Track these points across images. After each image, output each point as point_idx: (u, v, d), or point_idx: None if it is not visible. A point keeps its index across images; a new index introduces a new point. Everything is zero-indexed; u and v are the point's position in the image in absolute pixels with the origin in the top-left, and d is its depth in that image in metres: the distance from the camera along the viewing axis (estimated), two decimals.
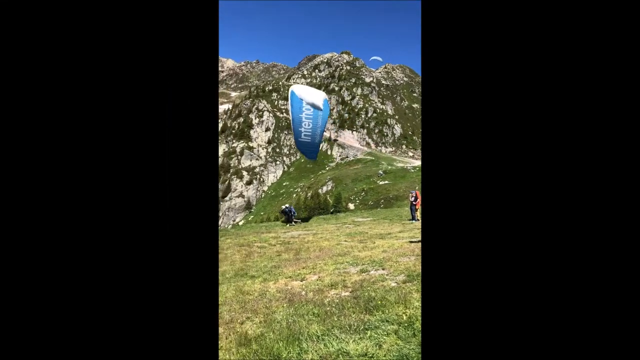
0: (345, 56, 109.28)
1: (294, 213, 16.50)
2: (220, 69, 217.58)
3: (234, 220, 58.07)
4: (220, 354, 3.36)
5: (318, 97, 7.14)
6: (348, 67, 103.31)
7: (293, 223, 16.23)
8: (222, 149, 71.50)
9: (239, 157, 70.02)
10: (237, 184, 65.04)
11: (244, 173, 66.88)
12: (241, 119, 78.75)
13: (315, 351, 3.10)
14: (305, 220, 18.47)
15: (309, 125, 7.61)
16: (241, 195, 63.49)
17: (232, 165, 68.38)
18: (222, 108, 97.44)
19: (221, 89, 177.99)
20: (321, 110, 7.56)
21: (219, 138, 72.60)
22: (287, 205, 17.74)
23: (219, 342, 3.62)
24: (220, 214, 57.14)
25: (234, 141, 73.49)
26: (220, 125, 76.58)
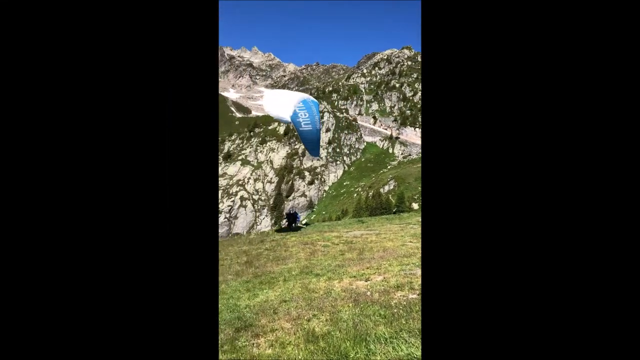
0: (406, 51, 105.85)
1: (298, 218, 16.27)
2: (282, 73, 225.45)
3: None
4: (289, 349, 3.46)
5: (285, 107, 6.37)
6: (409, 63, 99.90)
7: (293, 226, 15.69)
8: (285, 150, 74.15)
9: (301, 157, 71.93)
10: (300, 184, 66.90)
11: (306, 173, 68.52)
12: None
13: (384, 354, 3.03)
14: (307, 224, 17.81)
15: (305, 115, 7.08)
16: (303, 194, 65.16)
17: (294, 166, 70.54)
18: None
19: None
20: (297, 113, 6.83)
21: (282, 140, 75.42)
22: (292, 208, 17.91)
23: (288, 336, 3.73)
24: (284, 213, 58.82)
25: (296, 143, 75.66)
26: (283, 127, 79.48)
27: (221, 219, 52.07)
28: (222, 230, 50.62)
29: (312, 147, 7.20)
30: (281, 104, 5.99)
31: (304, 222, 17.21)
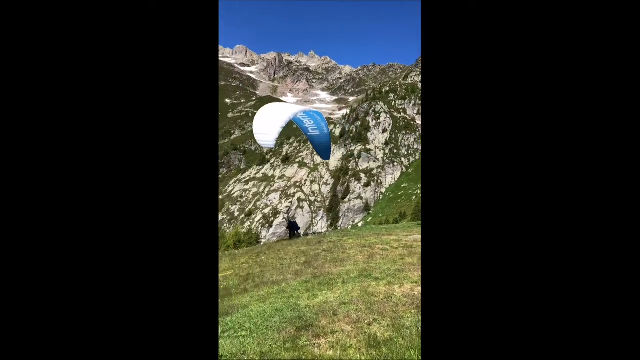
0: None
1: (298, 228, 16.30)
2: (338, 76, 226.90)
3: (353, 221, 59.58)
4: (351, 352, 3.42)
5: (272, 126, 5.51)
6: None
7: (295, 233, 15.72)
8: (340, 152, 74.38)
9: (357, 159, 71.54)
10: (356, 186, 66.54)
11: (362, 175, 67.96)
12: (358, 123, 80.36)
13: None
14: (306, 234, 17.51)
15: (310, 122, 6.91)
16: (359, 197, 64.69)
17: (350, 167, 70.39)
18: (340, 113, 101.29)
19: (339, 96, 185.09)
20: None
21: (338, 142, 75.75)
22: (292, 218, 17.16)
23: (349, 339, 3.69)
24: (340, 215, 59.26)
25: (352, 144, 75.48)
26: (338, 130, 79.84)
27: (279, 219, 53.87)
28: (280, 230, 52.34)
29: (321, 150, 7.13)
30: (268, 124, 5.52)
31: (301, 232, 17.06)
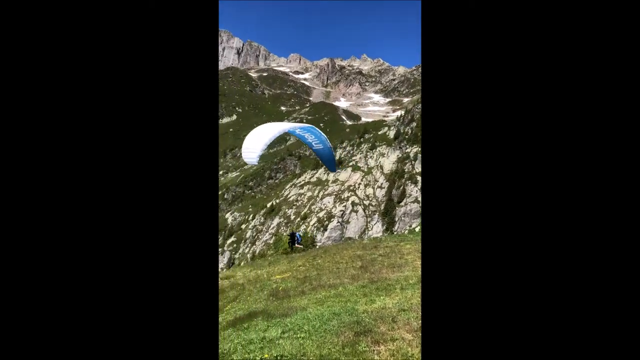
0: None
1: (299, 239, 16.86)
2: (392, 77, 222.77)
3: (410, 226, 57.68)
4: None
5: (255, 145, 5.50)
6: None
7: (294, 247, 16.43)
8: (395, 155, 72.67)
9: (413, 162, 69.29)
10: (412, 189, 64.42)
11: (418, 178, 65.60)
12: (414, 124, 77.92)
13: None
14: (306, 247, 17.36)
15: (312, 137, 6.98)
16: (416, 200, 62.49)
17: (406, 170, 68.40)
18: (394, 115, 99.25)
19: (393, 97, 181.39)
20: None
21: (393, 145, 74.14)
22: (295, 232, 17.81)
23: (410, 348, 3.56)
24: (396, 219, 57.84)
25: (407, 146, 73.36)
26: (393, 132, 78.17)
27: (334, 223, 54.13)
28: (335, 234, 52.53)
29: (328, 162, 7.07)
30: (253, 142, 5.65)
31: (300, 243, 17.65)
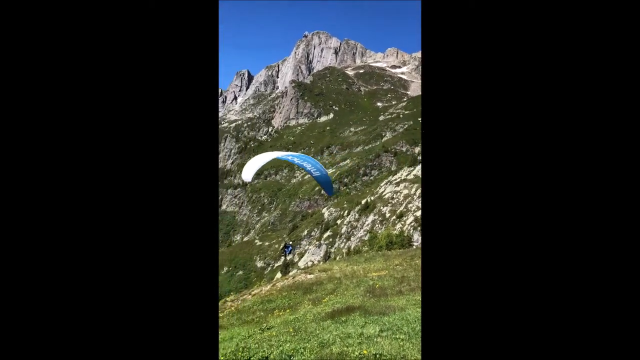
0: None
1: (289, 250, 18.49)
2: None
3: None
4: None
5: (249, 170, 6.63)
6: None
7: (285, 253, 18.97)
8: None
9: None
10: None
11: None
12: None
13: None
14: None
15: (309, 165, 7.59)
16: None
17: None
18: None
19: None
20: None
21: None
22: (290, 242, 17.48)
23: None
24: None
25: None
26: None
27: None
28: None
29: (327, 187, 7.88)
30: (250, 164, 6.80)
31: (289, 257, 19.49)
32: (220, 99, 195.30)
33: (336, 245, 50.63)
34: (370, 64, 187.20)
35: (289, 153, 8.26)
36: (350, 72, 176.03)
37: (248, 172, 6.61)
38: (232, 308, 11.11)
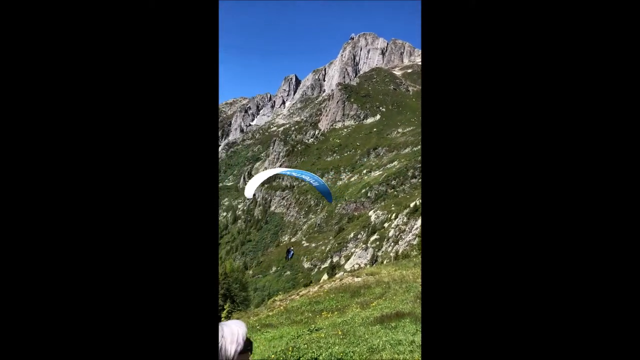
0: None
1: (290, 254, 22.28)
2: None
3: None
4: None
5: (251, 186, 7.58)
6: None
7: (288, 257, 22.15)
8: None
9: None
10: None
11: None
12: None
13: None
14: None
15: (307, 177, 8.50)
16: None
17: None
18: None
19: None
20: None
21: None
22: (291, 248, 19.55)
23: None
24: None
25: None
26: None
27: None
28: None
29: (326, 195, 8.86)
30: (252, 181, 7.68)
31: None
32: (269, 104, 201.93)
33: (383, 248, 49.73)
34: (419, 63, 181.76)
35: (288, 169, 9.61)
36: (397, 72, 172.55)
37: (250, 189, 7.48)
38: (281, 307, 11.37)
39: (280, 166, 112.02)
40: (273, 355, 5.65)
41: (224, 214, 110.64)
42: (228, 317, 22.15)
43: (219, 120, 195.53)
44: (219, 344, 1.29)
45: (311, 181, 8.58)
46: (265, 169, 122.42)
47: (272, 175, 9.18)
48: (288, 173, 9.10)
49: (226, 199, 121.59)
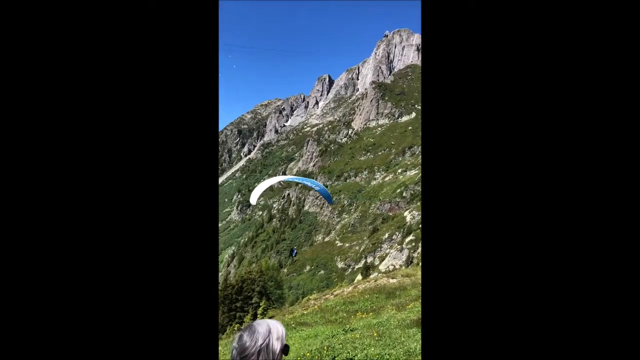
0: None
1: (294, 253, 20.51)
2: None
3: None
4: None
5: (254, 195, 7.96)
6: None
7: (293, 256, 28.84)
8: None
9: None
10: None
11: None
12: None
13: None
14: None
15: (308, 182, 8.84)
16: None
17: None
18: None
19: None
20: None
21: None
22: (295, 248, 18.64)
23: None
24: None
25: None
26: None
27: None
28: None
29: (327, 198, 9.02)
30: (257, 189, 7.96)
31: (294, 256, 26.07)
32: (303, 104, 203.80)
33: (419, 250, 48.46)
34: None
35: (290, 177, 9.75)
36: None
37: (254, 196, 7.93)
38: (316, 306, 11.43)
39: (313, 166, 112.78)
40: (308, 354, 5.68)
41: (260, 212, 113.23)
42: (263, 315, 22.61)
43: (255, 121, 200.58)
44: (266, 340, 1.30)
45: (312, 185, 9.03)
46: (299, 169, 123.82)
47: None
48: (290, 180, 9.91)
49: (262, 199, 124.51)
